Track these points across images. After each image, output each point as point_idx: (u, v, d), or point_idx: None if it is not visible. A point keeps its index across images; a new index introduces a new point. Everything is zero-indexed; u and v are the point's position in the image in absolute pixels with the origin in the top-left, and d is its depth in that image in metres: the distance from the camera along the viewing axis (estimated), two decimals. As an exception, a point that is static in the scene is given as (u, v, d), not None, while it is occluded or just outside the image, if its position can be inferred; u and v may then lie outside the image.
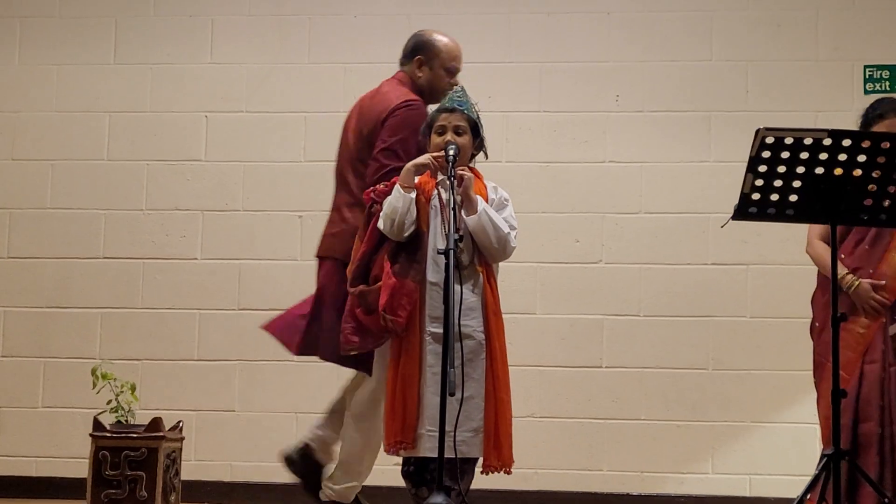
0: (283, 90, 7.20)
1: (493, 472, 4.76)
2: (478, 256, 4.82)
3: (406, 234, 4.80)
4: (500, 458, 4.74)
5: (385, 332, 4.81)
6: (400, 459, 4.83)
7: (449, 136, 4.87)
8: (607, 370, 6.85)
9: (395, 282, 4.75)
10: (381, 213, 4.85)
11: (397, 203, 4.78)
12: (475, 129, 4.97)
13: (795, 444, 6.67)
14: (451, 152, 4.77)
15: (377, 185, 4.96)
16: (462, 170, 4.79)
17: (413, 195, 4.79)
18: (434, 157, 4.81)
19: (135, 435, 5.58)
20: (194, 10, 7.29)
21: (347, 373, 5.27)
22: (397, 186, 4.80)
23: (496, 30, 7.13)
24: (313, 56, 7.21)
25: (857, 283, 5.10)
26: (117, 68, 7.29)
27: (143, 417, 5.77)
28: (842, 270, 5.08)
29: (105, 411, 5.72)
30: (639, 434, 6.79)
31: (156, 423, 5.63)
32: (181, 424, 5.86)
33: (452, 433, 4.51)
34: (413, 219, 4.80)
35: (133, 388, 5.76)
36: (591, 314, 6.89)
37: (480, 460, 4.75)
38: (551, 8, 7.12)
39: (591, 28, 7.10)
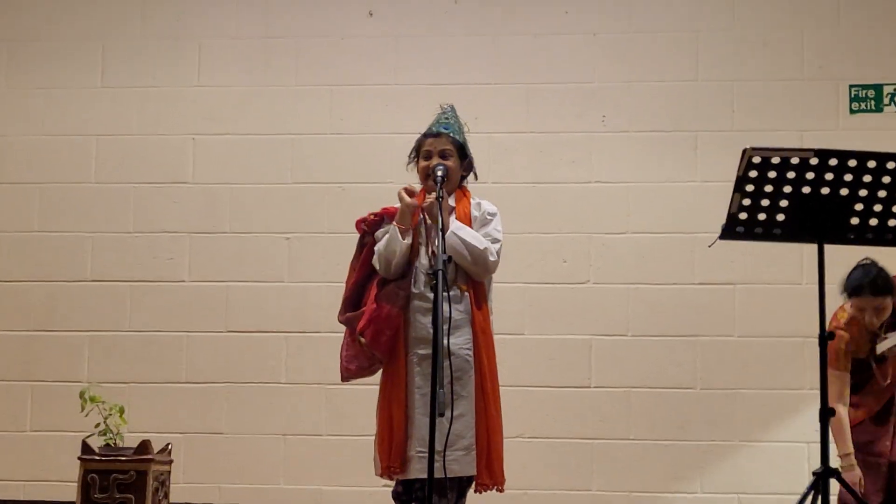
0: (270, 112, 7.20)
1: (485, 491, 4.77)
2: (463, 275, 4.83)
3: (397, 272, 4.82)
4: (491, 476, 4.76)
5: (374, 358, 4.84)
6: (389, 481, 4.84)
7: (435, 161, 4.89)
8: (595, 390, 6.85)
9: (374, 306, 4.78)
10: (375, 249, 4.86)
11: (395, 247, 4.80)
12: (462, 151, 4.98)
13: (784, 462, 6.67)
14: (439, 173, 4.80)
15: (367, 216, 4.98)
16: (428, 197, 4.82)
17: (410, 240, 4.81)
18: (407, 192, 4.86)
19: (123, 458, 5.56)
20: (181, 32, 7.29)
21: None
22: (395, 229, 4.81)
23: (482, 51, 7.15)
24: (300, 78, 7.21)
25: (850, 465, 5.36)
26: (104, 91, 7.28)
27: (131, 440, 5.75)
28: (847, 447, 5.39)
29: (93, 434, 5.71)
30: (627, 454, 6.79)
31: (144, 446, 5.62)
32: (170, 447, 5.84)
33: (443, 453, 4.53)
34: (406, 258, 4.82)
35: (121, 411, 5.75)
36: (579, 334, 6.89)
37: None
38: (537, 29, 7.14)
39: (577, 49, 7.12)
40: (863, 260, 5.51)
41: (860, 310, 5.42)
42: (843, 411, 5.42)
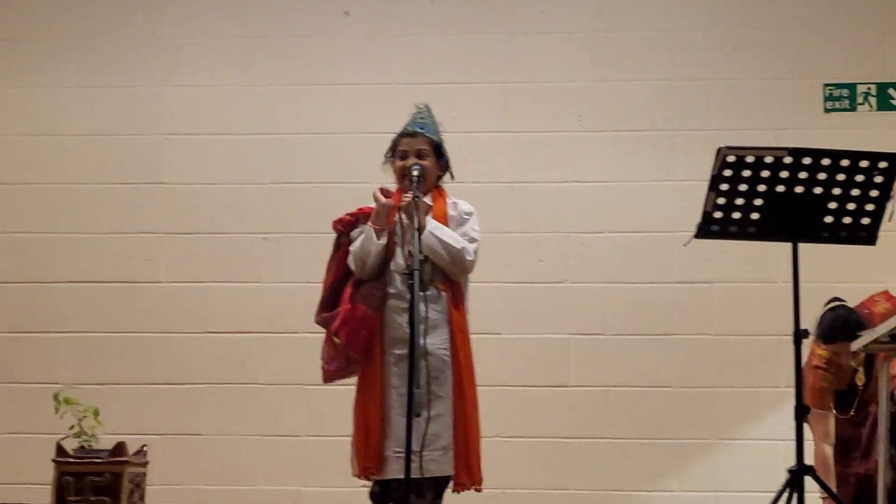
0: (246, 112, 7.18)
1: (463, 490, 4.77)
2: (440, 275, 4.83)
3: (372, 273, 4.82)
4: (469, 475, 4.75)
5: (350, 359, 4.84)
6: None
7: (411, 161, 4.89)
8: (573, 389, 6.85)
9: (349, 307, 4.78)
10: (350, 249, 4.85)
11: (370, 247, 4.79)
12: (438, 150, 4.98)
13: (760, 460, 6.67)
14: (415, 173, 4.80)
15: (343, 216, 4.98)
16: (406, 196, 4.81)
17: (384, 240, 4.80)
18: (383, 192, 4.85)
19: (98, 460, 5.54)
20: (157, 32, 7.26)
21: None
22: (370, 230, 4.80)
23: (459, 51, 7.14)
24: (277, 78, 7.19)
25: None
26: (79, 91, 7.25)
27: (106, 442, 5.73)
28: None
29: (68, 436, 5.69)
30: (605, 453, 6.79)
31: (119, 448, 5.60)
32: (146, 449, 5.83)
33: (420, 453, 4.53)
34: (382, 259, 4.81)
35: (96, 413, 5.73)
36: (557, 334, 6.89)
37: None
38: (514, 28, 7.14)
39: (554, 48, 7.12)
40: (831, 302, 5.52)
41: (836, 354, 5.44)
42: (829, 453, 5.44)
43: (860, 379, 5.54)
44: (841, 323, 5.40)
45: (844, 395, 5.60)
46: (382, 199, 4.83)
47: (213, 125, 7.17)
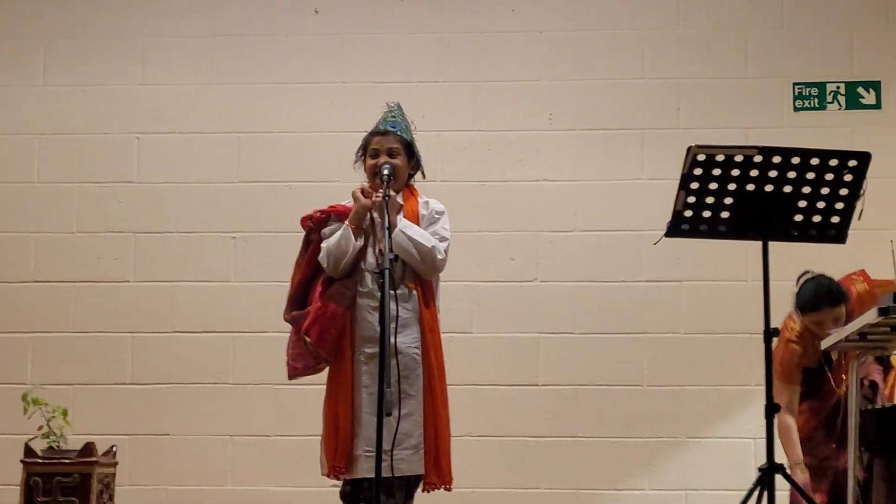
0: (215, 111, 7.15)
1: (433, 490, 4.77)
2: (410, 273, 4.83)
3: (345, 272, 4.80)
4: (439, 475, 4.76)
5: (319, 357, 4.83)
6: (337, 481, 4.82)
7: (382, 160, 4.88)
8: (543, 388, 6.85)
9: (319, 305, 4.77)
10: (323, 248, 4.84)
11: (347, 248, 4.78)
12: (409, 149, 4.98)
13: (730, 458, 6.69)
14: (386, 171, 4.80)
15: (314, 213, 4.96)
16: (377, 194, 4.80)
17: (362, 242, 4.79)
18: (362, 192, 4.83)
19: (67, 461, 5.52)
20: (125, 31, 7.22)
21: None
22: (349, 230, 4.79)
23: (429, 49, 7.13)
24: (246, 77, 7.17)
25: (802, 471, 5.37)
26: (47, 90, 7.20)
27: (75, 443, 5.70)
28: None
29: (36, 437, 5.65)
30: (574, 451, 6.79)
31: (88, 448, 5.58)
32: (115, 449, 5.80)
33: (390, 452, 4.53)
34: (355, 258, 4.80)
35: (65, 414, 5.70)
36: (527, 332, 6.89)
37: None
38: (483, 27, 7.14)
39: (524, 47, 7.12)
40: (806, 273, 5.52)
41: (819, 323, 5.41)
42: (791, 422, 5.45)
43: (834, 353, 5.55)
44: (825, 290, 5.37)
45: (814, 374, 5.60)
46: (363, 199, 4.82)
47: (183, 124, 7.14)
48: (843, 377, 5.53)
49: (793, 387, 5.52)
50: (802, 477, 5.32)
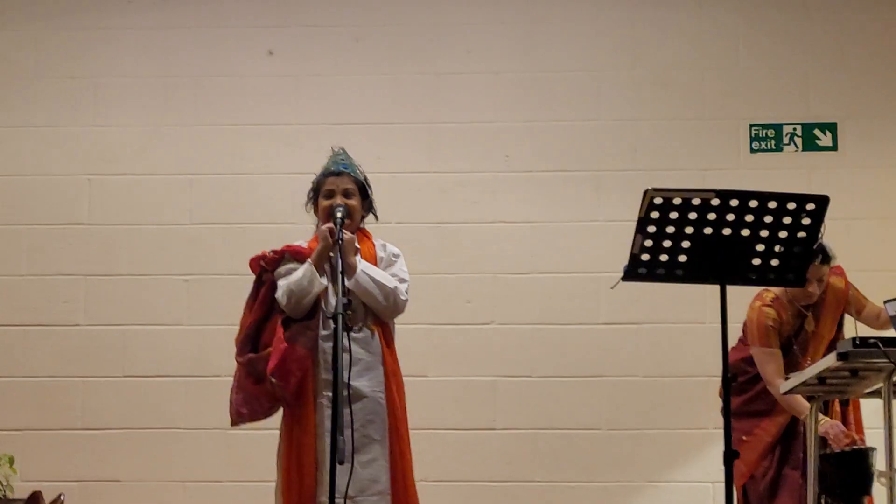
0: (168, 152, 7.09)
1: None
2: (371, 315, 4.78)
3: (304, 312, 4.73)
4: (408, 519, 4.69)
5: (275, 401, 4.74)
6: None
7: (338, 200, 4.84)
8: (500, 432, 6.81)
9: (285, 346, 4.69)
10: (282, 287, 4.77)
11: (311, 288, 4.72)
12: (363, 190, 4.94)
13: (689, 502, 6.66)
14: (339, 214, 4.76)
15: (266, 253, 4.90)
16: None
17: (325, 282, 4.73)
18: (331, 232, 4.75)
19: (13, 510, 5.42)
20: (76, 71, 7.16)
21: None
22: (312, 269, 4.72)
23: (384, 91, 7.11)
24: (200, 118, 7.12)
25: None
26: (-4, 131, 7.14)
27: (22, 491, 5.60)
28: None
29: (-18, 486, 5.55)
30: (533, 496, 6.75)
31: (35, 497, 5.49)
32: (63, 497, 5.71)
33: (354, 499, 4.49)
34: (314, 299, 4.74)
35: (11, 461, 5.63)
36: (484, 376, 6.84)
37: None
38: (439, 69, 7.12)
39: (480, 88, 7.10)
40: None
41: (806, 281, 5.29)
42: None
43: (809, 324, 5.51)
44: (818, 246, 5.30)
45: (783, 348, 5.55)
46: (330, 239, 4.75)
47: (135, 165, 7.08)
48: (811, 349, 5.51)
49: (774, 351, 5.47)
50: (829, 425, 5.27)
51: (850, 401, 5.55)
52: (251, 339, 4.87)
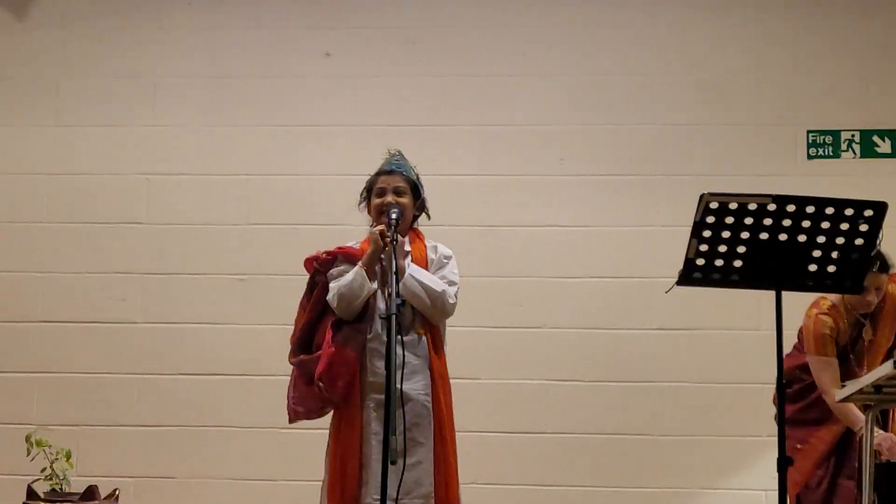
0: (224, 152, 7.14)
1: (443, 538, 4.71)
2: (420, 319, 4.78)
3: (354, 314, 4.75)
4: (450, 524, 4.69)
5: (328, 402, 4.76)
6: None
7: (389, 198, 4.85)
8: (551, 436, 6.79)
9: (333, 350, 4.72)
10: (333, 288, 4.79)
11: (361, 291, 4.74)
12: (415, 190, 4.95)
13: (741, 510, 6.64)
14: (394, 216, 4.76)
15: (319, 254, 4.92)
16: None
17: (375, 286, 4.74)
18: (382, 235, 4.76)
19: (69, 503, 5.46)
20: (136, 71, 7.23)
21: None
22: (362, 273, 4.74)
23: (439, 93, 7.12)
24: (255, 118, 7.16)
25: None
26: (58, 130, 7.20)
27: (79, 485, 5.65)
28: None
29: (39, 479, 5.61)
30: (583, 501, 6.72)
31: (91, 491, 5.55)
32: (118, 492, 5.76)
33: (397, 499, 4.47)
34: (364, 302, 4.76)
35: (69, 456, 5.68)
36: (535, 379, 6.83)
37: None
38: (494, 71, 7.12)
39: (536, 91, 7.10)
40: None
41: (863, 289, 5.26)
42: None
43: (867, 333, 5.47)
44: (877, 254, 5.24)
45: (845, 356, 5.51)
46: (381, 242, 4.76)
47: (192, 165, 7.13)
48: (866, 360, 5.46)
49: (831, 360, 5.42)
50: (883, 437, 5.24)
51: None
52: (304, 340, 4.90)
